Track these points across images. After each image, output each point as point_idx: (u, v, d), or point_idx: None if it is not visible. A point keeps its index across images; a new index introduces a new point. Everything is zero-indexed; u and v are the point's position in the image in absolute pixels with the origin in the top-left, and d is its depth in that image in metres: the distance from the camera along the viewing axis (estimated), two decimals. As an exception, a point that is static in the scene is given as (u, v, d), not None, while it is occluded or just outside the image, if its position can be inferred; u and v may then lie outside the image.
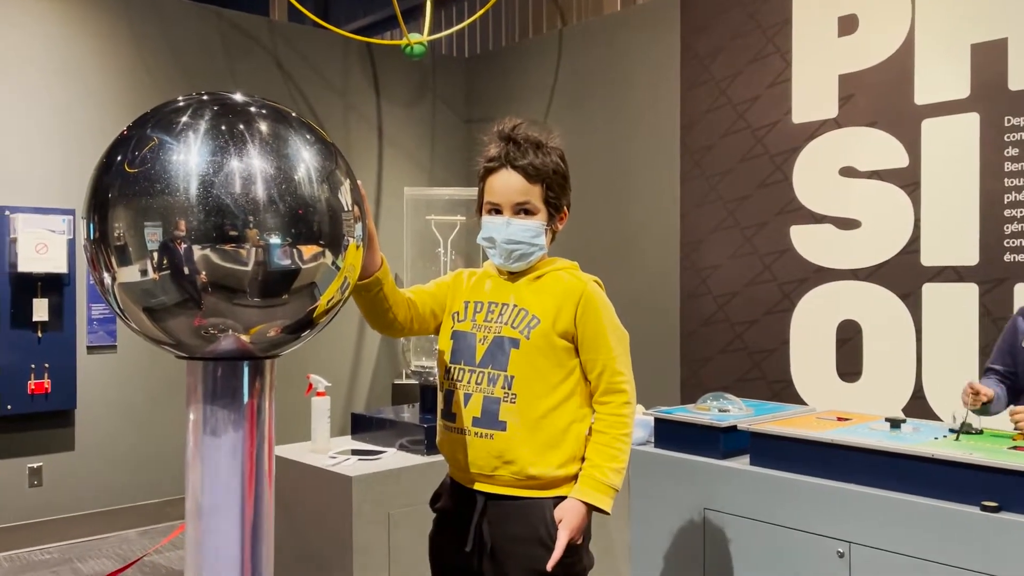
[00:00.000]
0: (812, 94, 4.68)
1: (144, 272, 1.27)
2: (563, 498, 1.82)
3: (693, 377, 5.25)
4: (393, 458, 3.01)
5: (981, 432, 2.65)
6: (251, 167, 1.31)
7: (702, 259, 5.22)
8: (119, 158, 1.31)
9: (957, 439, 2.56)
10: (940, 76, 4.16)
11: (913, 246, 4.26)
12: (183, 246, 1.26)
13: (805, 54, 4.71)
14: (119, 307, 1.34)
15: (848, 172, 4.53)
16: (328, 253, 1.38)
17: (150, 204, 1.25)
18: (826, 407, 4.28)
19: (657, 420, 3.15)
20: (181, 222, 1.26)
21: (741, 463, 2.85)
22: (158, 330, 1.35)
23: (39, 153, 4.92)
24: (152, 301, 1.29)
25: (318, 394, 3.13)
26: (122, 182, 1.28)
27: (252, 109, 1.39)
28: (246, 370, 1.37)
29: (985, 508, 2.26)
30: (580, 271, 2.03)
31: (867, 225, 4.46)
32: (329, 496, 2.80)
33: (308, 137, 1.40)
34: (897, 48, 4.31)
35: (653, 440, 3.16)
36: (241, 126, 1.34)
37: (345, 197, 1.41)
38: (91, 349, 5.09)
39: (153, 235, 1.25)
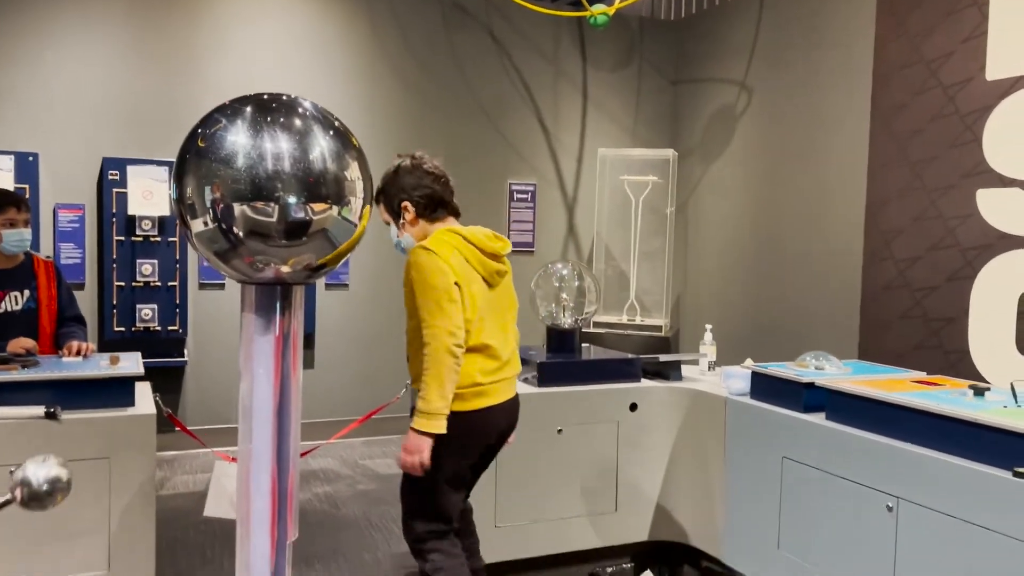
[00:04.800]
0: (1008, 48, 4.36)
1: (206, 224, 1.85)
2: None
3: (872, 343, 5.15)
4: (509, 387, 3.51)
5: (1067, 405, 2.58)
6: (279, 148, 1.83)
7: (886, 222, 5.07)
8: (198, 131, 1.89)
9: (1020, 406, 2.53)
10: None
11: (1105, 213, 3.90)
12: (229, 204, 1.82)
13: (1003, 5, 4.39)
14: (199, 251, 1.94)
15: (1041, 132, 4.20)
16: (334, 208, 1.88)
17: (209, 171, 1.83)
18: (1003, 381, 4.11)
19: (753, 373, 3.34)
20: (228, 186, 1.82)
21: (819, 418, 2.99)
22: (225, 266, 1.92)
23: (290, 122, 5.95)
24: (214, 246, 1.87)
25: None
26: (195, 153, 1.86)
27: (299, 110, 1.91)
28: (278, 291, 1.93)
29: (1017, 474, 2.28)
30: (428, 242, 2.47)
31: (1058, 189, 4.13)
32: (450, 412, 3.35)
33: (330, 132, 1.90)
34: (1102, -6, 3.91)
35: (750, 391, 3.36)
36: (281, 119, 1.88)
37: (352, 173, 1.90)
38: (328, 286, 6.11)
39: (210, 196, 1.82)
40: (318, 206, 1.88)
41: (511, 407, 2.56)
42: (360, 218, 2.01)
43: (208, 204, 1.86)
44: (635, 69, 6.99)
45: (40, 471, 1.56)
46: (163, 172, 5.48)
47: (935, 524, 2.49)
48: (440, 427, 2.28)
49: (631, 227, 6.49)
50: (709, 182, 6.68)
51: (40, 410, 2.73)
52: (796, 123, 5.84)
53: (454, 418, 2.38)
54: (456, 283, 2.38)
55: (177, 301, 5.57)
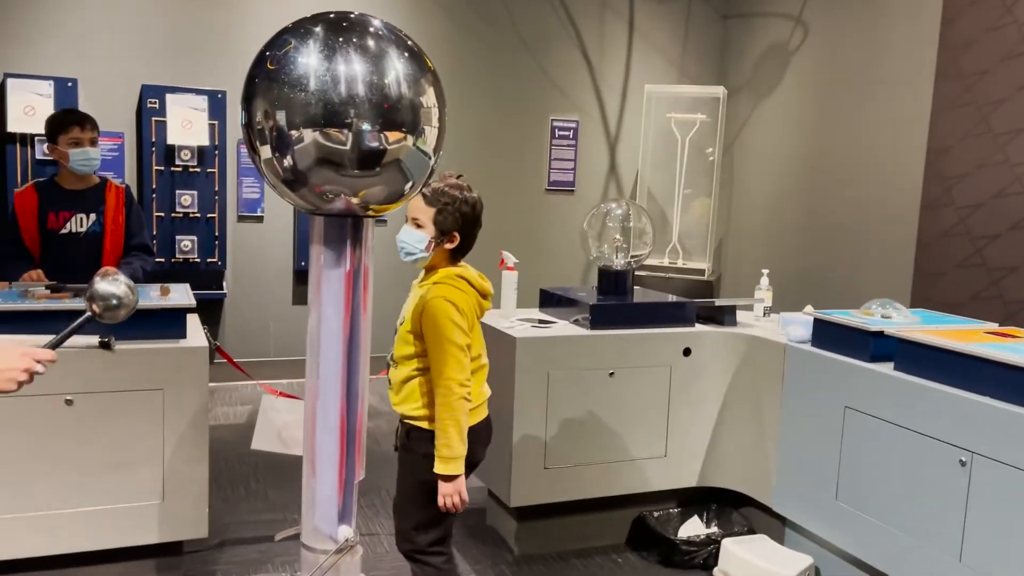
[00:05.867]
0: (1094, -18, 4.11)
1: (276, 150, 1.75)
2: (414, 427, 2.45)
3: (925, 292, 5.01)
4: (561, 328, 3.42)
5: None
6: (353, 71, 1.73)
7: (948, 167, 4.88)
8: (267, 54, 1.78)
9: (1115, 365, 2.41)
10: None
11: None
12: (301, 130, 1.72)
13: (1092, -65, 4.12)
14: (267, 180, 1.85)
15: (1125, 73, 3.98)
16: (409, 138, 1.77)
17: (279, 96, 1.72)
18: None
19: (816, 320, 3.23)
20: (300, 111, 1.72)
21: (886, 368, 2.89)
22: (295, 196, 1.83)
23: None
24: (284, 174, 1.78)
25: (508, 268, 3.60)
26: (263, 76, 1.75)
27: (371, 30, 1.79)
28: (349, 224, 1.84)
29: (1108, 433, 2.18)
30: (446, 282, 2.39)
31: None
32: (501, 353, 3.29)
33: (405, 54, 1.79)
34: None
35: (811, 339, 3.26)
36: (354, 39, 1.76)
37: (428, 100, 1.79)
38: (366, 221, 6.02)
39: (280, 120, 1.72)
40: (393, 135, 1.77)
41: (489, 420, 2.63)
42: (435, 151, 1.90)
43: (277, 130, 1.76)
44: (685, 1, 6.72)
45: (111, 287, 1.79)
46: (202, 101, 5.37)
47: (1013, 480, 2.40)
48: (462, 467, 2.37)
49: (676, 167, 6.32)
50: (757, 122, 6.47)
51: (94, 339, 2.69)
52: (854, 61, 5.60)
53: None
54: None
55: (216, 233, 5.51)
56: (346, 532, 1.87)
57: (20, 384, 1.65)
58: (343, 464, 1.89)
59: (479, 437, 2.51)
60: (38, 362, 1.66)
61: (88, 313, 1.78)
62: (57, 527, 2.74)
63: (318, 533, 1.89)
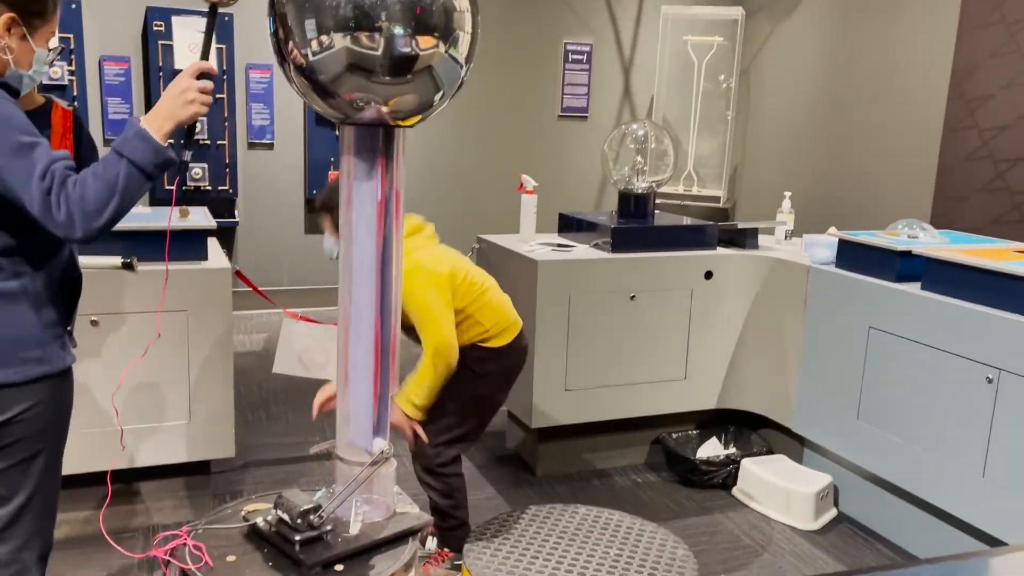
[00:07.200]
0: None
1: (306, 57, 1.70)
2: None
3: (944, 216, 4.96)
4: (582, 252, 3.40)
5: None
6: (383, -28, 1.66)
7: (973, 88, 4.77)
8: (293, -38, 1.71)
9: None
10: None
11: None
12: (330, 35, 1.66)
13: None
14: (298, 89, 1.80)
15: None
16: (442, 44, 1.72)
17: (308, 1, 1.67)
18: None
19: (841, 241, 3.20)
20: (329, 15, 1.66)
21: (913, 287, 2.87)
22: (325, 104, 1.79)
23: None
24: (315, 82, 1.73)
25: (527, 192, 3.56)
26: (291, -17, 1.69)
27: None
28: (381, 133, 1.80)
29: None
30: (423, 259, 2.43)
31: None
32: (522, 276, 3.27)
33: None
34: None
35: (835, 260, 3.23)
36: (382, -59, 1.69)
37: (461, 3, 1.73)
38: (377, 148, 5.95)
39: (309, 25, 1.67)
40: (425, 40, 1.72)
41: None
42: (467, 60, 1.85)
43: (307, 36, 1.71)
44: (702, -81, 6.50)
45: None
46: (209, 24, 5.24)
47: (1040, 397, 2.40)
48: (422, 416, 2.44)
49: (691, 92, 6.19)
50: (776, 44, 6.31)
51: (117, 260, 2.68)
52: (878, -21, 5.43)
53: (497, 353, 2.53)
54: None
55: (227, 160, 5.45)
56: (381, 444, 1.88)
57: (206, 105, 1.83)
58: (377, 377, 1.88)
59: (521, 348, 2.58)
60: (200, 76, 1.77)
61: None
62: (87, 446, 2.76)
63: (353, 446, 1.90)
